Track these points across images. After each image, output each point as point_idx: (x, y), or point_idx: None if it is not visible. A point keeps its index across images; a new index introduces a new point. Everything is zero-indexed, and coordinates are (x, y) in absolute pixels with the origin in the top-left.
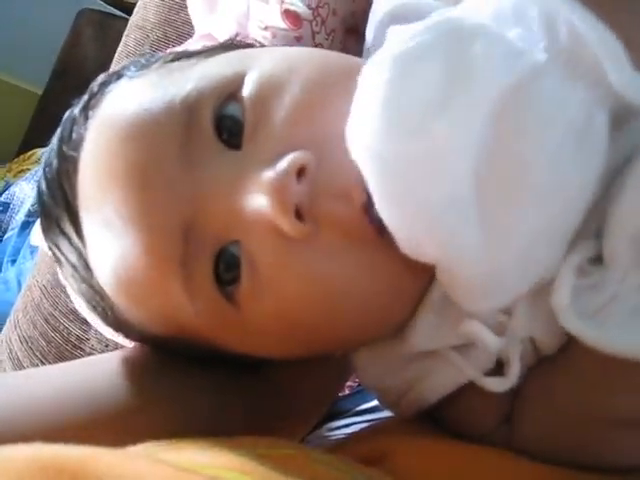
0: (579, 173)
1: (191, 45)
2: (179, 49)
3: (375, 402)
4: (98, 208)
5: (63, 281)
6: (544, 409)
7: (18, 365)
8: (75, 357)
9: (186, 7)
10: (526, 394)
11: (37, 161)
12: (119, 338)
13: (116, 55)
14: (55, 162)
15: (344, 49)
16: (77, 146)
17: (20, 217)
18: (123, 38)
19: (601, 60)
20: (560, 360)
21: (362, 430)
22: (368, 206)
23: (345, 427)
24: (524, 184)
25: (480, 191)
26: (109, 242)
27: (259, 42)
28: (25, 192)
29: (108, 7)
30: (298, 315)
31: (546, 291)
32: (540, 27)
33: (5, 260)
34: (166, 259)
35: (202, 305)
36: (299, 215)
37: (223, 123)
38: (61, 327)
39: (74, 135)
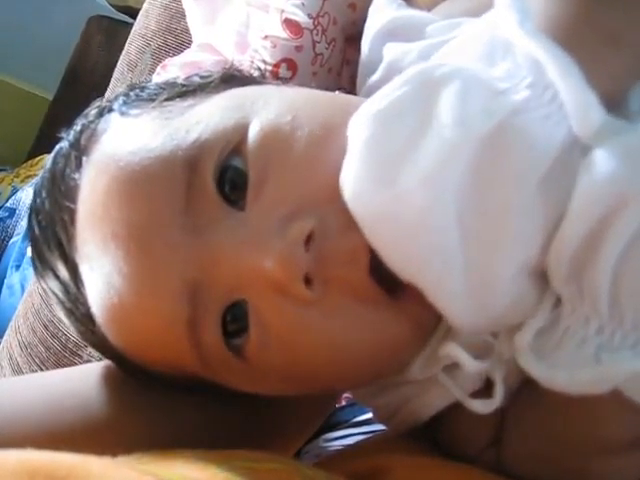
0: (556, 210)
1: (188, 56)
2: (171, 76)
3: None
4: (99, 264)
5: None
6: (529, 433)
7: (17, 371)
8: (73, 364)
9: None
10: (513, 417)
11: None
12: None
13: (118, 63)
14: (49, 209)
15: (344, 58)
16: (73, 196)
17: (25, 223)
18: (125, 46)
19: (568, 109)
20: (540, 385)
21: (355, 445)
22: (373, 265)
23: (342, 438)
24: (508, 229)
25: (466, 239)
26: (112, 298)
27: (257, 65)
28: (31, 198)
29: (119, 14)
30: (304, 367)
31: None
32: (527, 62)
33: (10, 265)
34: (173, 322)
35: (210, 359)
36: (308, 280)
37: (226, 176)
38: (59, 334)
39: (68, 181)
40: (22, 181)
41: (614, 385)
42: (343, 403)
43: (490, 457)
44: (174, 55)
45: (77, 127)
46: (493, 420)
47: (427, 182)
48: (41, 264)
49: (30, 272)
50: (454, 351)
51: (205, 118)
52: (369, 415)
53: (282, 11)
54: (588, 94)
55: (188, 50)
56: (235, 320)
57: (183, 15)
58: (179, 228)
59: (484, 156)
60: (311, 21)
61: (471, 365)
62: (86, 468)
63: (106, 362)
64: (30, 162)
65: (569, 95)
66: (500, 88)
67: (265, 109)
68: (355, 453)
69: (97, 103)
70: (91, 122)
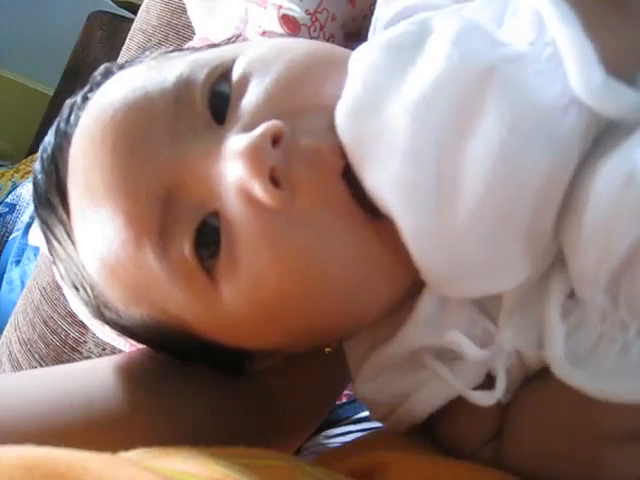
0: (542, 166)
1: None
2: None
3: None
4: (84, 176)
5: (58, 278)
6: (532, 427)
7: (17, 367)
8: (73, 360)
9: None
10: (515, 411)
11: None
12: (115, 341)
13: (119, 59)
14: (52, 140)
15: None
16: (74, 124)
17: (25, 219)
18: (126, 41)
19: (567, 62)
20: (547, 377)
21: (353, 442)
22: (345, 172)
23: (342, 435)
24: (484, 173)
25: (440, 178)
26: (91, 211)
27: None
28: (31, 193)
29: (119, 9)
30: (275, 289)
31: (532, 305)
32: (531, 19)
33: (10, 261)
34: (143, 225)
35: (177, 279)
36: (275, 182)
37: (213, 100)
38: (59, 330)
39: (72, 117)
40: (22, 177)
41: None
42: (343, 400)
43: (489, 453)
44: None
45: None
46: (493, 416)
47: (413, 111)
48: (37, 197)
49: (30, 268)
50: (457, 338)
51: (201, 56)
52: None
53: (280, 7)
54: (588, 49)
55: (190, 43)
56: (209, 244)
57: (184, 10)
58: (165, 135)
59: (469, 96)
60: (309, 17)
61: (474, 353)
62: (85, 464)
63: (111, 358)
64: (30, 158)
65: (568, 47)
66: (499, 40)
67: (255, 47)
68: (352, 450)
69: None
70: (104, 74)
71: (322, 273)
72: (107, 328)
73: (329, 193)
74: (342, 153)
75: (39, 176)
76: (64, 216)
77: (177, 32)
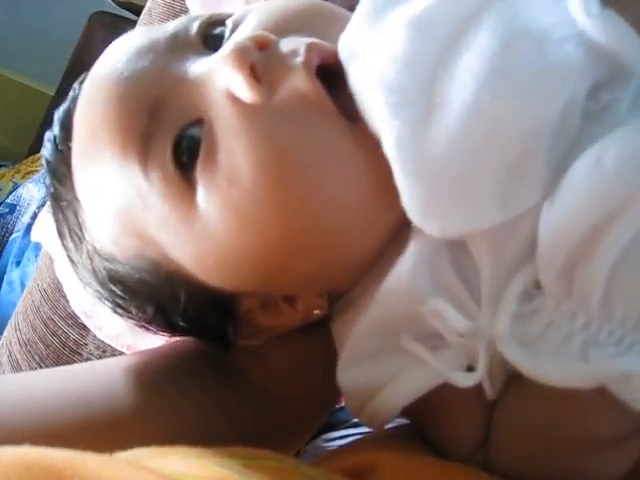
0: (532, 90)
1: None
2: None
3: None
4: (84, 99)
5: (58, 266)
6: (516, 431)
7: (17, 368)
8: (72, 362)
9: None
10: (499, 415)
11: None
12: (114, 342)
13: None
14: (62, 108)
15: None
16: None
17: (26, 219)
18: None
19: None
20: (527, 380)
21: (349, 443)
22: (324, 75)
23: (341, 439)
24: (474, 84)
25: (432, 96)
26: (88, 133)
27: None
28: (32, 194)
29: (121, 10)
30: (248, 186)
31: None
32: None
33: (10, 261)
34: (128, 134)
35: (158, 188)
36: (256, 78)
37: (208, 37)
38: (59, 331)
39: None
40: (23, 177)
41: (600, 383)
42: (343, 403)
43: (481, 458)
44: None
45: None
46: (480, 421)
47: (414, 22)
48: (49, 154)
49: (30, 269)
50: (440, 306)
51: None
52: None
53: None
54: None
55: None
56: (189, 152)
57: (187, 14)
58: (158, 57)
59: (469, 14)
60: None
61: (457, 321)
62: (82, 462)
63: (118, 359)
64: (31, 158)
65: None
66: None
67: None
68: (346, 451)
69: None
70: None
71: (295, 170)
72: (107, 307)
73: (303, 86)
74: (322, 54)
75: (53, 128)
76: (68, 152)
77: None
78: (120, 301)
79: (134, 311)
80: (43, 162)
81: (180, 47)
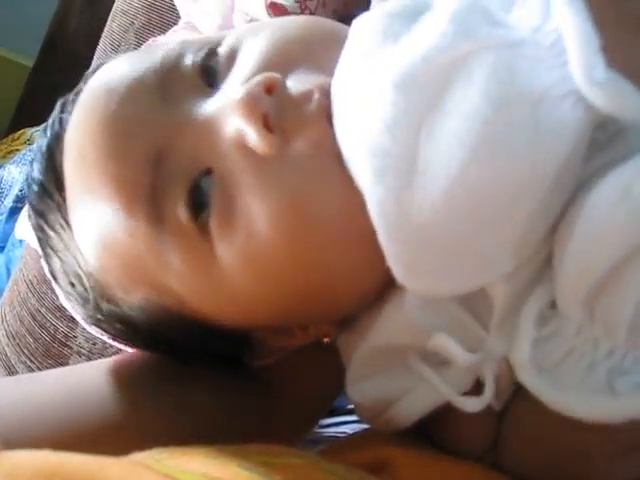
0: (526, 155)
1: (173, 34)
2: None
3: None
4: (78, 149)
5: (47, 272)
6: (524, 436)
7: (6, 361)
8: (63, 355)
9: None
10: (505, 423)
11: (27, 142)
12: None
13: (100, 42)
14: (46, 135)
15: None
16: (68, 114)
17: (8, 202)
18: (107, 23)
19: (570, 49)
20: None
21: (362, 434)
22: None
23: (336, 425)
24: (460, 152)
25: (417, 151)
26: (84, 185)
27: None
28: (13, 176)
29: None
30: (267, 238)
31: (519, 312)
32: (539, 8)
33: None
34: (133, 189)
35: (171, 242)
36: (269, 129)
37: (204, 69)
38: (48, 324)
39: (65, 112)
40: (4, 157)
41: (630, 418)
42: None
43: (491, 459)
44: (159, 34)
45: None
46: (489, 427)
47: (398, 82)
48: (37, 195)
49: (15, 254)
50: (444, 341)
51: (187, 40)
52: None
53: None
54: (593, 39)
55: (174, 27)
56: (200, 201)
57: None
58: (155, 98)
59: (457, 74)
60: (297, 5)
61: (461, 357)
62: (103, 471)
63: (116, 358)
64: (11, 137)
65: (573, 35)
66: (500, 22)
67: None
68: (357, 444)
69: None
70: (94, 71)
71: (314, 221)
72: (105, 336)
73: (321, 136)
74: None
75: (35, 168)
76: (60, 200)
77: (160, 15)
78: (125, 337)
79: (140, 345)
80: (28, 206)
81: (176, 84)
